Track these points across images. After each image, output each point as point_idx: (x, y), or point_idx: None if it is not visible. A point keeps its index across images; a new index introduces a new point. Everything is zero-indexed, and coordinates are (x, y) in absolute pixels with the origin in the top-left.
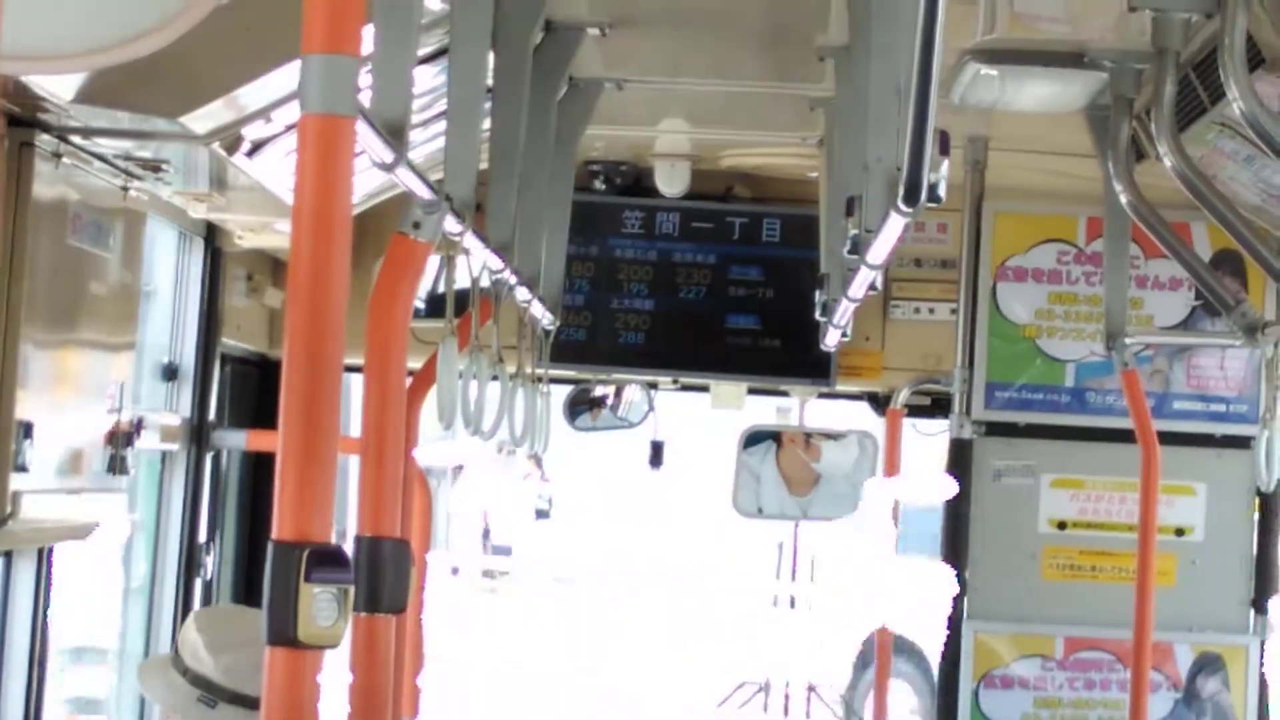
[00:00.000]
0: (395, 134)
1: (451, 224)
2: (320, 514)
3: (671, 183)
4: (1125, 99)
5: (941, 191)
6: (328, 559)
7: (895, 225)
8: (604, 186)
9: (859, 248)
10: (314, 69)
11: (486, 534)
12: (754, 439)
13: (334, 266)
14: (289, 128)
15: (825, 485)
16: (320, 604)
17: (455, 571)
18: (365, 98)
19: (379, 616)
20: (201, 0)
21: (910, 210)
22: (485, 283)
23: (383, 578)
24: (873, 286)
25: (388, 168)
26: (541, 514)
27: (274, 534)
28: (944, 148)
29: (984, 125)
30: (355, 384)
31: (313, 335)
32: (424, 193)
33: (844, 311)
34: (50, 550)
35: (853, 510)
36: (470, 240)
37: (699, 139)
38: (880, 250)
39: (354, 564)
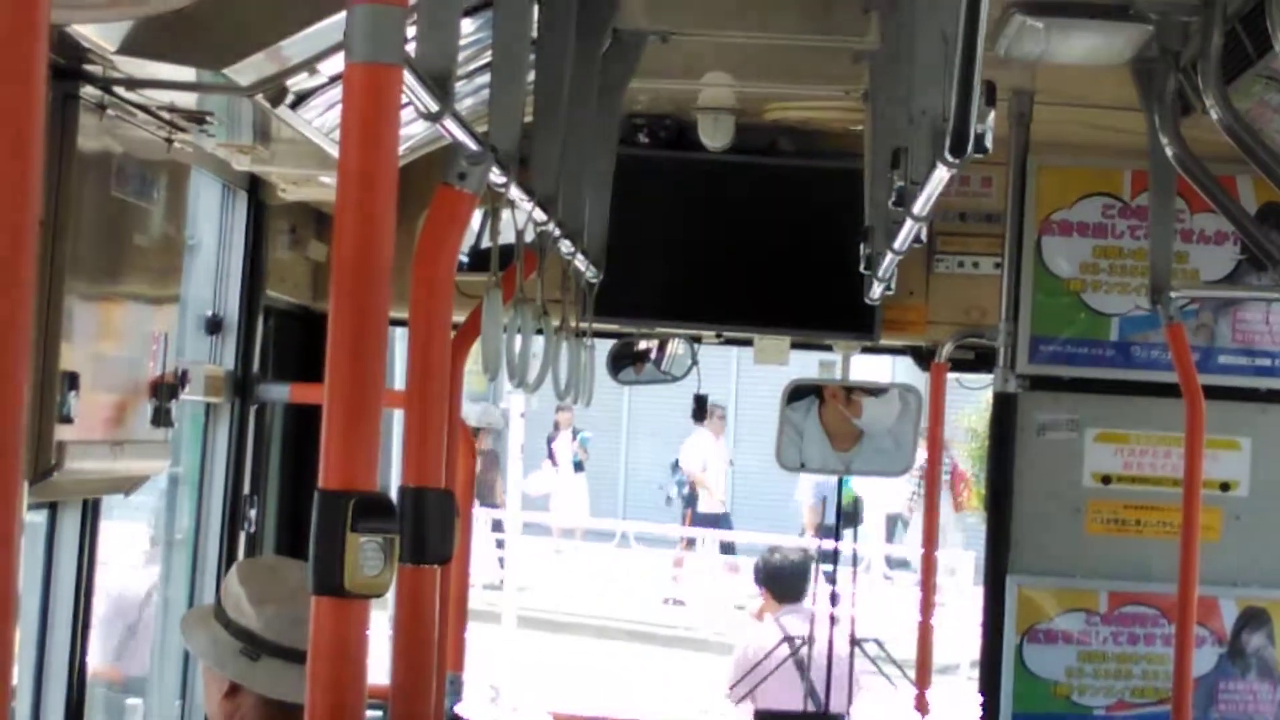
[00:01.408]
0: (441, 84)
1: (496, 175)
2: (366, 464)
3: (715, 136)
4: (1171, 51)
5: (988, 142)
6: (374, 508)
7: (941, 176)
8: (647, 140)
9: (904, 199)
10: (360, 18)
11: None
12: (797, 393)
13: (380, 217)
14: (333, 79)
15: (869, 441)
16: (367, 553)
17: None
18: (410, 49)
19: (424, 568)
20: None
21: (956, 161)
22: (529, 236)
23: (428, 528)
24: (917, 239)
25: (433, 118)
26: (579, 466)
27: (320, 483)
28: (990, 98)
29: (1029, 78)
30: (399, 337)
31: (358, 287)
32: (469, 143)
33: (888, 264)
34: (96, 502)
35: (903, 467)
36: (515, 192)
37: (743, 92)
38: (925, 202)
39: (398, 515)
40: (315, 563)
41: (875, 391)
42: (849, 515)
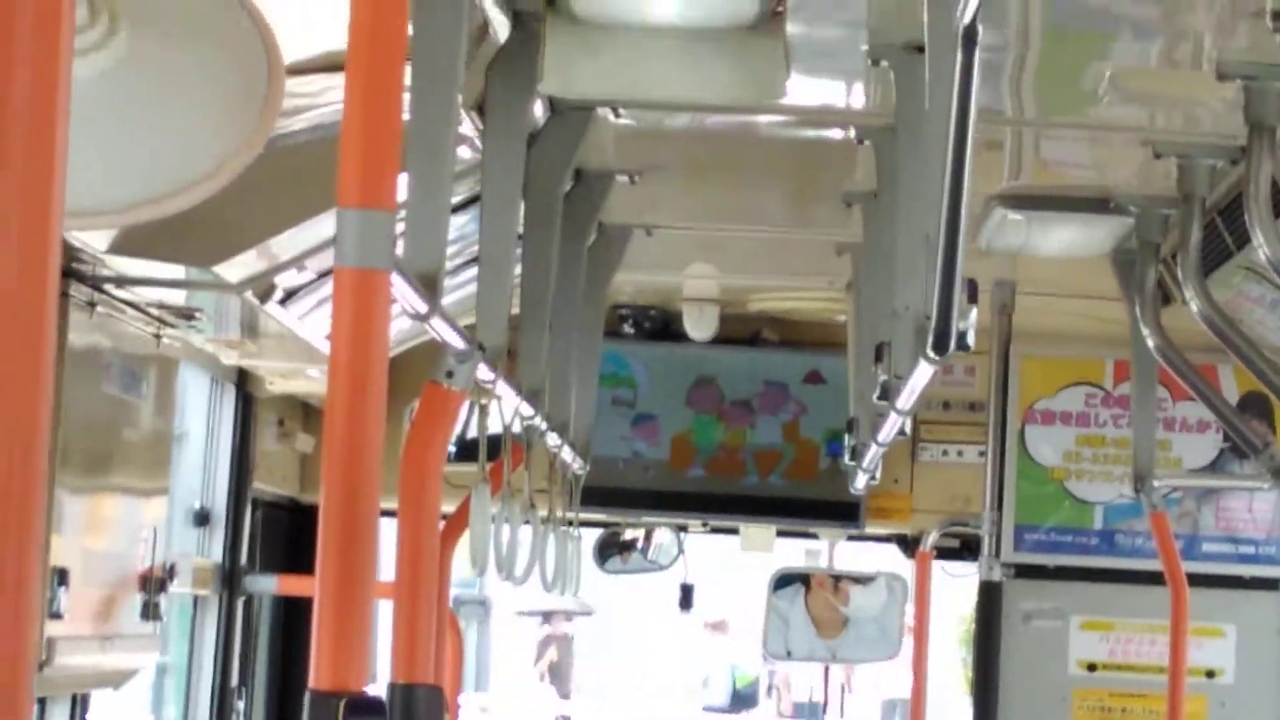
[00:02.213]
0: (429, 285)
1: (484, 372)
2: (357, 663)
3: (700, 327)
4: (1151, 244)
5: (970, 340)
6: (365, 709)
7: (924, 373)
8: (633, 331)
9: (888, 394)
10: (350, 223)
11: None
12: (783, 581)
13: (370, 415)
14: (321, 275)
15: (854, 628)
16: None
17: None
18: (399, 247)
19: None
20: (244, 152)
21: (939, 358)
22: (516, 428)
23: None
24: (901, 431)
25: (422, 318)
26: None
27: (311, 683)
28: (972, 296)
29: (1010, 269)
30: (387, 527)
31: (349, 484)
32: (457, 343)
33: (873, 456)
34: (85, 697)
35: (890, 653)
36: (502, 388)
37: (727, 284)
38: (909, 397)
39: (388, 710)
40: None
41: (862, 580)
42: (745, 697)
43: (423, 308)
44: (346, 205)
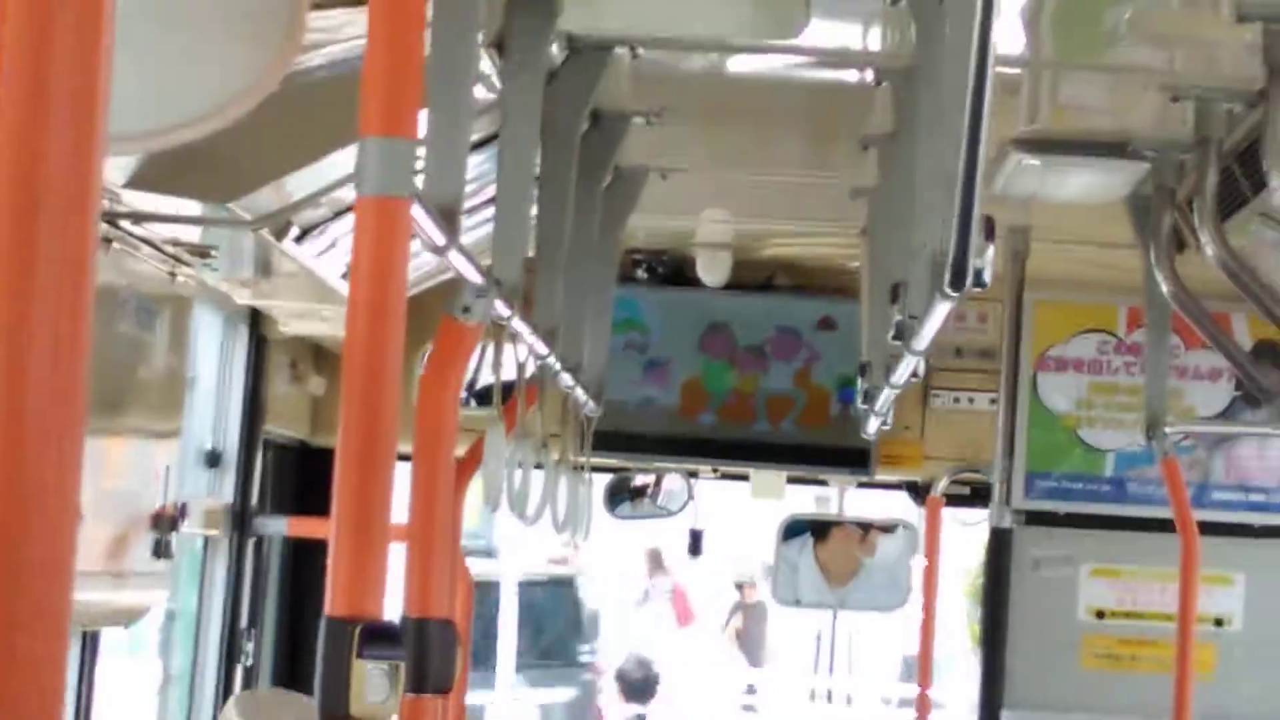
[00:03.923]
0: (448, 218)
1: (500, 308)
2: (373, 591)
3: (713, 272)
4: (1167, 188)
5: (987, 276)
6: (380, 636)
7: (941, 310)
8: (646, 276)
9: (903, 334)
10: (371, 151)
11: None
12: (794, 529)
13: (389, 347)
14: (337, 214)
15: (864, 576)
16: (372, 680)
17: None
18: (418, 181)
19: (426, 697)
20: (258, 86)
21: (956, 294)
22: (531, 368)
23: (430, 658)
24: (914, 374)
25: (440, 251)
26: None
27: (327, 610)
28: (989, 233)
29: (1025, 215)
30: (401, 471)
31: (369, 408)
32: (474, 277)
33: (886, 399)
34: (95, 634)
35: (899, 602)
36: (518, 325)
37: (741, 229)
38: (925, 335)
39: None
40: (321, 689)
41: (889, 528)
42: None
43: (441, 240)
44: (368, 133)
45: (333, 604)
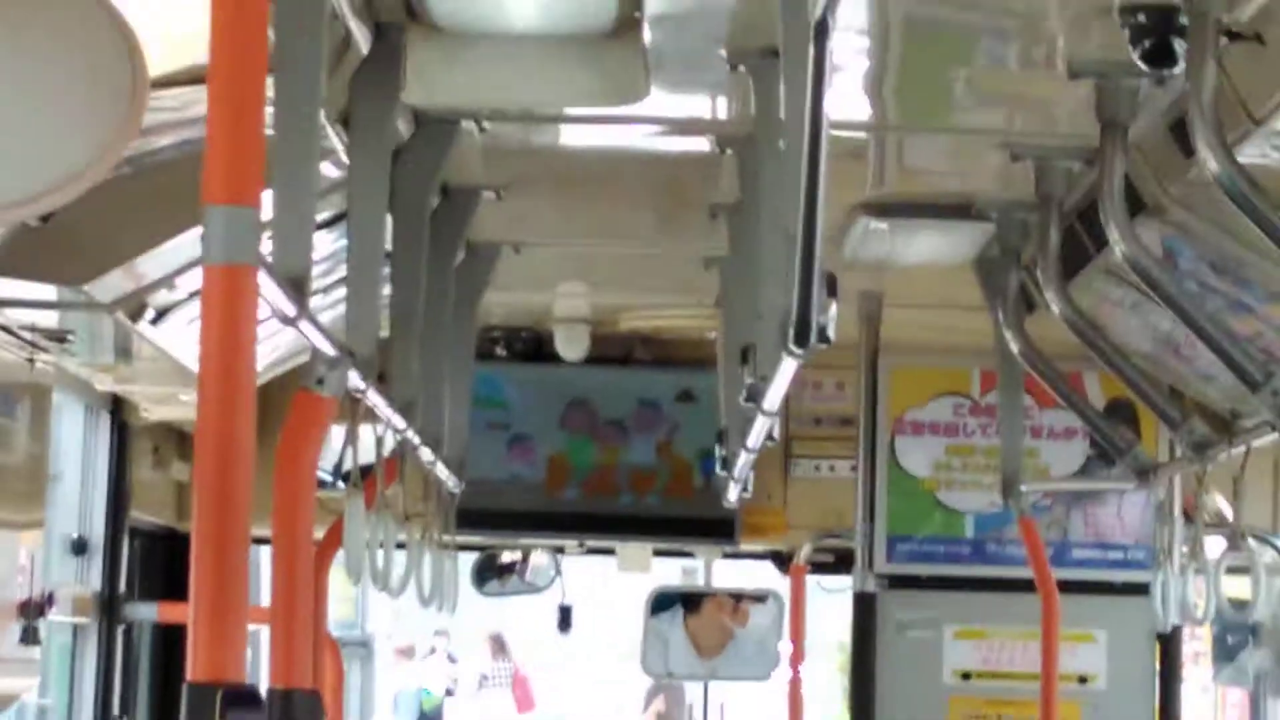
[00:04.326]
0: (297, 287)
1: (355, 380)
2: (234, 656)
3: (571, 347)
4: (1012, 249)
5: (831, 333)
6: (243, 699)
7: (788, 368)
8: (505, 353)
9: (755, 395)
10: (216, 220)
11: None
12: (663, 601)
13: (240, 413)
14: (192, 295)
15: (734, 646)
16: None
17: None
18: (266, 255)
19: None
20: (101, 161)
21: (801, 352)
22: (389, 445)
23: None
24: (770, 436)
25: (291, 321)
26: (449, 692)
27: (189, 676)
28: (831, 289)
29: (877, 281)
30: (262, 556)
31: (222, 479)
32: (327, 348)
33: (744, 464)
34: None
35: (768, 671)
36: (374, 397)
37: (598, 302)
38: (775, 395)
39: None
40: None
41: (761, 598)
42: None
43: (291, 310)
44: (212, 201)
45: (194, 670)
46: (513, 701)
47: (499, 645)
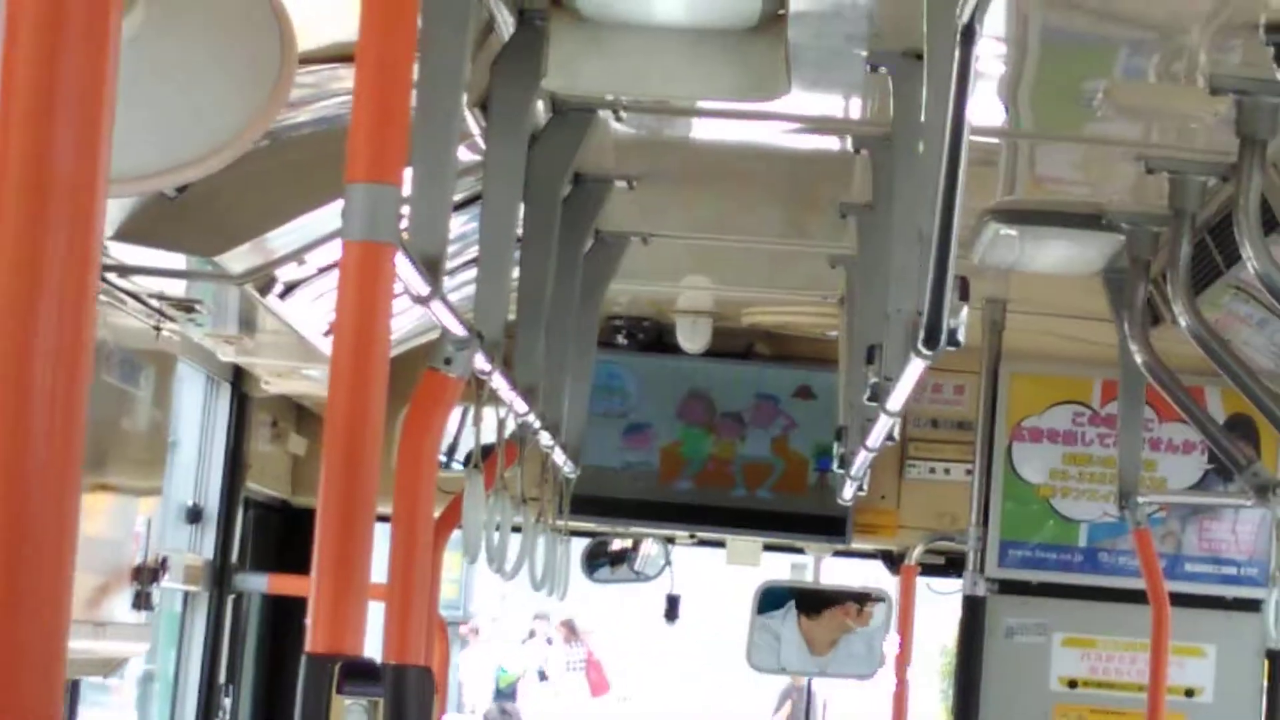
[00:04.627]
0: (432, 268)
1: (482, 362)
2: (354, 628)
3: (693, 339)
4: (1142, 260)
5: (961, 336)
6: (360, 672)
7: (915, 369)
8: (626, 342)
9: (878, 395)
10: (357, 197)
11: None
12: (771, 594)
13: (372, 390)
14: (321, 270)
15: (844, 644)
16: (352, 716)
17: None
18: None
19: None
20: (246, 133)
21: (930, 353)
22: (510, 428)
23: (407, 703)
24: (890, 437)
25: (423, 300)
26: (543, 676)
27: (307, 647)
28: (964, 294)
29: (1003, 288)
30: (381, 534)
31: (351, 445)
32: (457, 329)
33: (862, 463)
34: (76, 683)
35: (873, 669)
36: (498, 380)
37: (721, 296)
38: (900, 396)
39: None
40: None
41: (880, 598)
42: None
43: (425, 289)
44: (355, 179)
45: (313, 641)
46: (587, 685)
47: (571, 630)
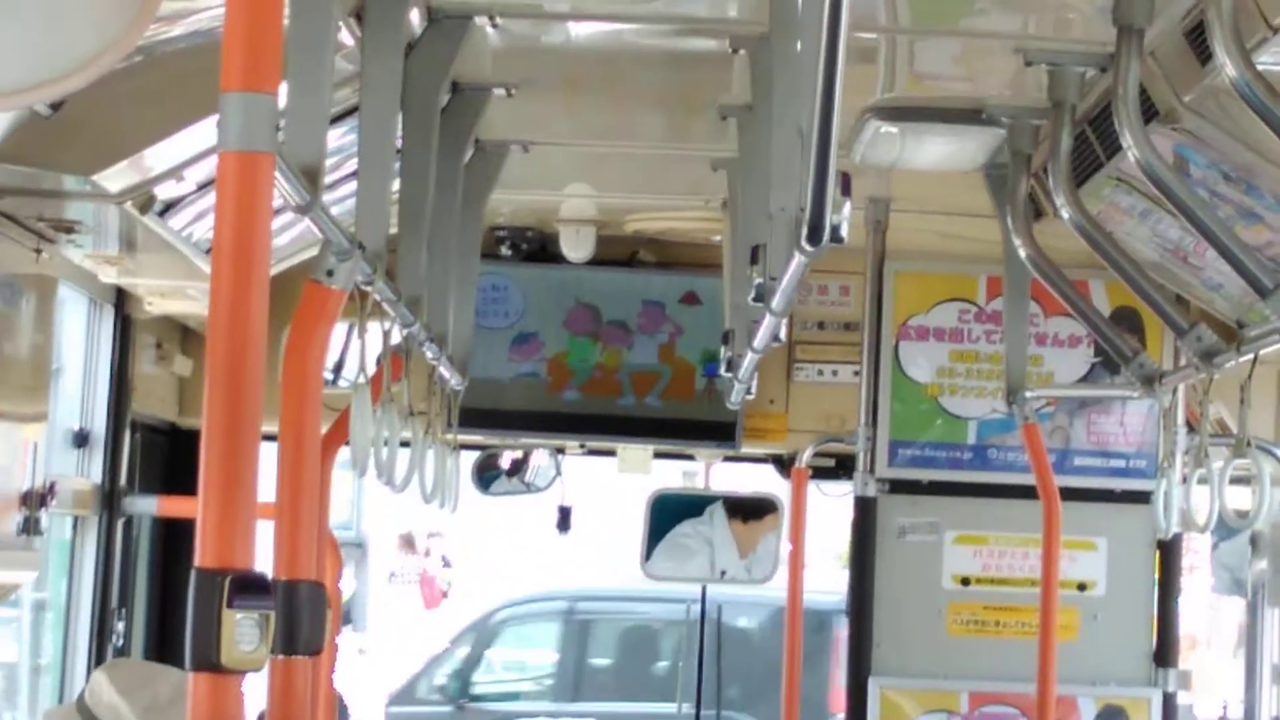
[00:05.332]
0: (311, 177)
1: (364, 273)
2: (243, 542)
3: (577, 248)
4: (1023, 154)
5: (844, 232)
6: (250, 586)
7: (799, 266)
8: (510, 253)
9: (764, 295)
10: (233, 106)
11: None
12: (663, 502)
13: (253, 299)
14: (201, 187)
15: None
16: (243, 629)
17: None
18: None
19: (296, 659)
20: (115, 47)
21: (813, 250)
22: (395, 338)
23: (300, 619)
24: (776, 338)
25: (303, 210)
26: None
27: (196, 562)
28: (845, 189)
29: (885, 186)
30: (268, 452)
31: (234, 354)
32: (338, 238)
33: (749, 365)
34: None
35: (767, 575)
36: (381, 289)
37: (604, 203)
38: (784, 295)
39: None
40: (192, 640)
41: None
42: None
43: (304, 199)
44: (230, 88)
45: (203, 557)
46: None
47: (407, 543)
